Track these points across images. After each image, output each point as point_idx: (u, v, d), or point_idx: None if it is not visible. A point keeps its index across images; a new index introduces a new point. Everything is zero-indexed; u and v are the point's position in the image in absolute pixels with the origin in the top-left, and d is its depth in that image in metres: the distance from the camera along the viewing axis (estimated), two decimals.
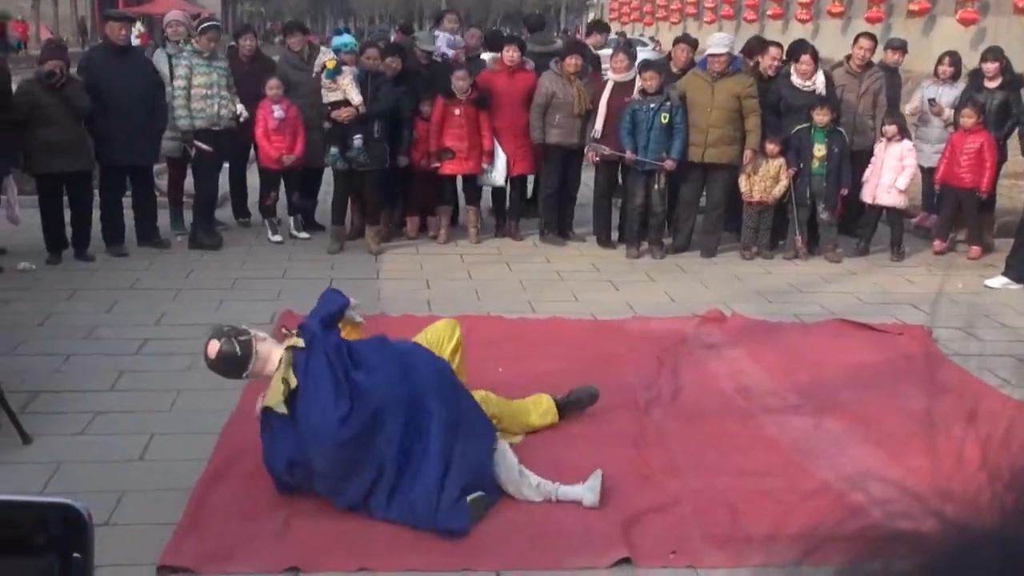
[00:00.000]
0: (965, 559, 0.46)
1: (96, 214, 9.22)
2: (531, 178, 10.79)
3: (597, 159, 9.70)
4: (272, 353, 4.61)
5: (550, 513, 4.54)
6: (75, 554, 0.77)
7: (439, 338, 5.19)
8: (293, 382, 4.46)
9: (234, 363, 4.59)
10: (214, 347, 4.58)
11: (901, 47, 10.75)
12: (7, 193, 8.27)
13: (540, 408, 5.39)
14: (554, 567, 4.14)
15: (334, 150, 9.29)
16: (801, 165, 9.54)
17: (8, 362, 6.02)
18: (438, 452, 4.54)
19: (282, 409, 4.45)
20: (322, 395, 4.46)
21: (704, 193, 9.96)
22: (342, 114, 9.16)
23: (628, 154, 9.38)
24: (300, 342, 4.57)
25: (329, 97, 9.21)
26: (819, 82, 9.86)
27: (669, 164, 9.38)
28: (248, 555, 4.15)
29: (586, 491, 4.62)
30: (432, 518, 4.37)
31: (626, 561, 4.17)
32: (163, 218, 9.88)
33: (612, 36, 17.63)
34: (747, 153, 9.55)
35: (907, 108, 10.54)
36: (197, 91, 9.23)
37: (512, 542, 4.30)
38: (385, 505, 4.44)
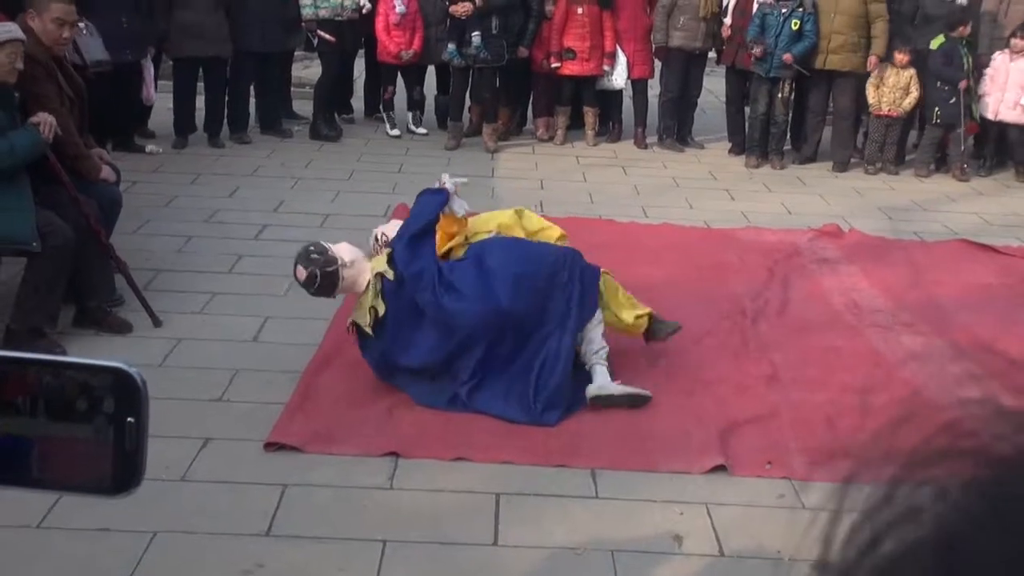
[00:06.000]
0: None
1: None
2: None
3: (758, 50, 9.28)
4: (360, 277, 4.61)
5: (647, 416, 4.56)
6: (128, 418, 0.79)
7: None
8: (381, 309, 4.53)
9: (319, 289, 4.61)
10: (301, 273, 4.57)
11: None
12: (144, 74, 8.48)
13: (637, 312, 5.02)
14: (648, 469, 4.17)
15: (452, 46, 9.26)
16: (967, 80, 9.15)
17: (133, 241, 6.25)
18: (528, 360, 4.62)
19: (368, 331, 4.55)
20: (405, 328, 4.56)
21: (832, 103, 9.68)
22: (459, 9, 9.09)
23: (757, 49, 9.11)
24: (390, 272, 4.56)
25: None
26: None
27: (788, 57, 9.08)
28: (351, 438, 4.28)
29: (602, 378, 4.66)
30: (526, 411, 4.48)
31: (721, 469, 4.18)
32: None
33: None
34: (871, 60, 9.22)
35: None
36: None
37: (608, 442, 4.34)
38: (474, 401, 4.55)
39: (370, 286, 4.56)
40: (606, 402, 4.60)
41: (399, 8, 9.39)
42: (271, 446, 4.19)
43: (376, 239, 4.96)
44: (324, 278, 4.54)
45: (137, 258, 5.90)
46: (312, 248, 4.64)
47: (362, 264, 4.66)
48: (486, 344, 4.58)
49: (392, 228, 4.94)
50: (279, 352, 5.08)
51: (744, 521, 3.83)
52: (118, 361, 0.79)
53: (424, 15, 9.52)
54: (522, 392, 4.54)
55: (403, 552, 3.55)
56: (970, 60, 9.18)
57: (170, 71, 9.39)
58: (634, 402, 4.65)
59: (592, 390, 4.60)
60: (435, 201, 4.78)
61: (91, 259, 5.20)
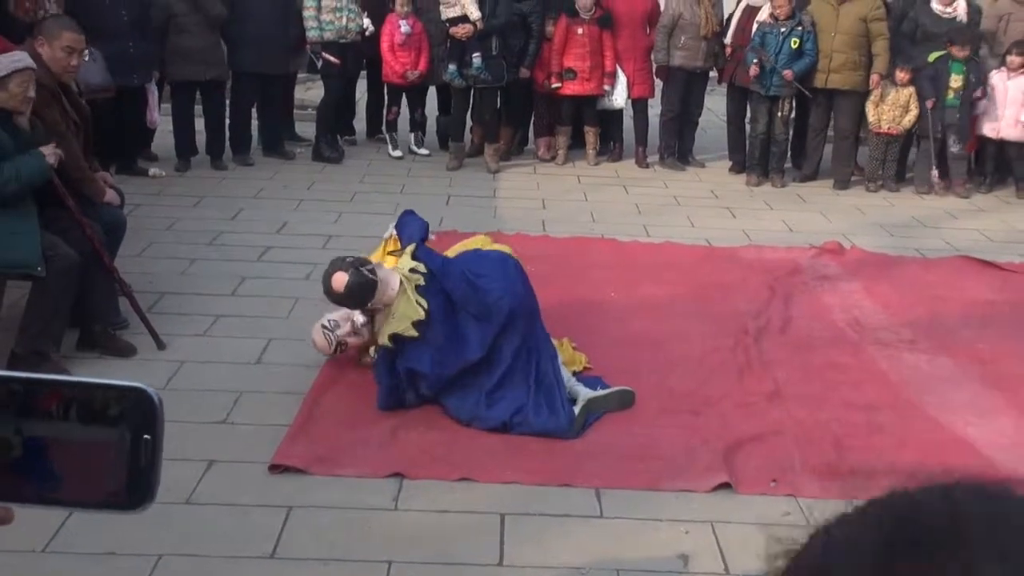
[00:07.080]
0: None
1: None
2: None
3: (754, 68, 9.23)
4: (390, 279, 4.61)
5: (651, 435, 4.57)
6: (145, 435, 0.82)
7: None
8: (426, 303, 4.54)
9: (362, 293, 4.55)
10: (341, 279, 4.51)
11: None
12: (149, 97, 8.53)
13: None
14: (653, 488, 4.17)
15: (452, 67, 9.29)
16: (936, 98, 9.19)
17: (136, 264, 6.27)
18: (548, 360, 4.70)
19: (412, 332, 4.53)
20: (451, 321, 4.58)
21: (832, 121, 9.70)
22: (460, 30, 9.12)
23: (753, 69, 9.13)
24: (421, 266, 4.62)
25: (447, 13, 9.17)
26: (960, 9, 9.42)
27: (789, 74, 9.11)
28: (355, 459, 4.28)
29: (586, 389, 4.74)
30: (545, 422, 4.50)
31: (726, 487, 4.18)
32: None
33: None
34: (874, 78, 9.25)
35: None
36: (327, 3, 9.27)
37: (612, 461, 4.34)
38: (495, 409, 4.56)
39: (404, 287, 4.56)
40: (600, 404, 4.71)
41: (403, 28, 9.43)
42: (275, 468, 4.19)
43: (326, 326, 4.92)
44: (371, 273, 4.54)
45: (141, 281, 5.92)
46: (340, 257, 4.67)
47: (385, 268, 4.68)
48: (523, 330, 4.63)
49: (339, 314, 4.94)
50: (283, 374, 5.09)
51: (750, 539, 3.82)
52: (136, 381, 0.81)
53: (428, 35, 9.56)
54: (549, 393, 4.59)
55: (409, 573, 3.55)
56: (964, 79, 9.17)
57: (169, 95, 9.43)
58: (623, 401, 4.77)
59: (583, 398, 4.68)
60: (423, 221, 5.04)
61: (95, 282, 5.21)
